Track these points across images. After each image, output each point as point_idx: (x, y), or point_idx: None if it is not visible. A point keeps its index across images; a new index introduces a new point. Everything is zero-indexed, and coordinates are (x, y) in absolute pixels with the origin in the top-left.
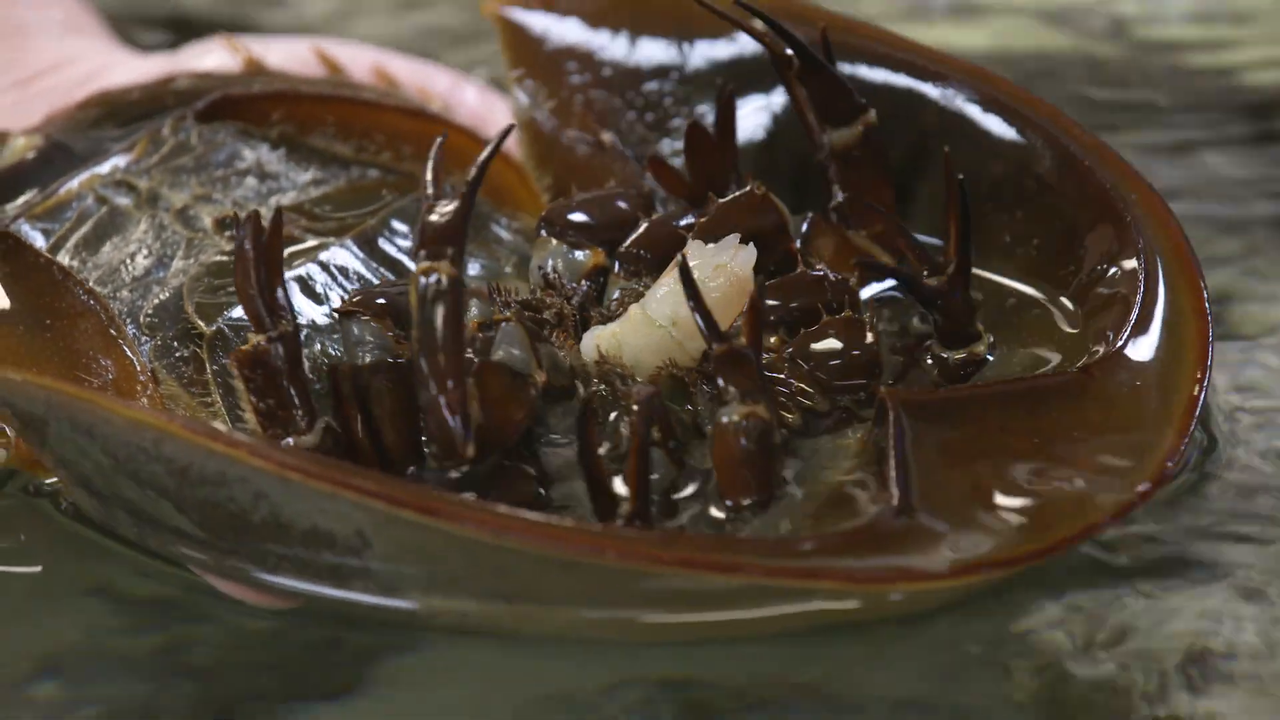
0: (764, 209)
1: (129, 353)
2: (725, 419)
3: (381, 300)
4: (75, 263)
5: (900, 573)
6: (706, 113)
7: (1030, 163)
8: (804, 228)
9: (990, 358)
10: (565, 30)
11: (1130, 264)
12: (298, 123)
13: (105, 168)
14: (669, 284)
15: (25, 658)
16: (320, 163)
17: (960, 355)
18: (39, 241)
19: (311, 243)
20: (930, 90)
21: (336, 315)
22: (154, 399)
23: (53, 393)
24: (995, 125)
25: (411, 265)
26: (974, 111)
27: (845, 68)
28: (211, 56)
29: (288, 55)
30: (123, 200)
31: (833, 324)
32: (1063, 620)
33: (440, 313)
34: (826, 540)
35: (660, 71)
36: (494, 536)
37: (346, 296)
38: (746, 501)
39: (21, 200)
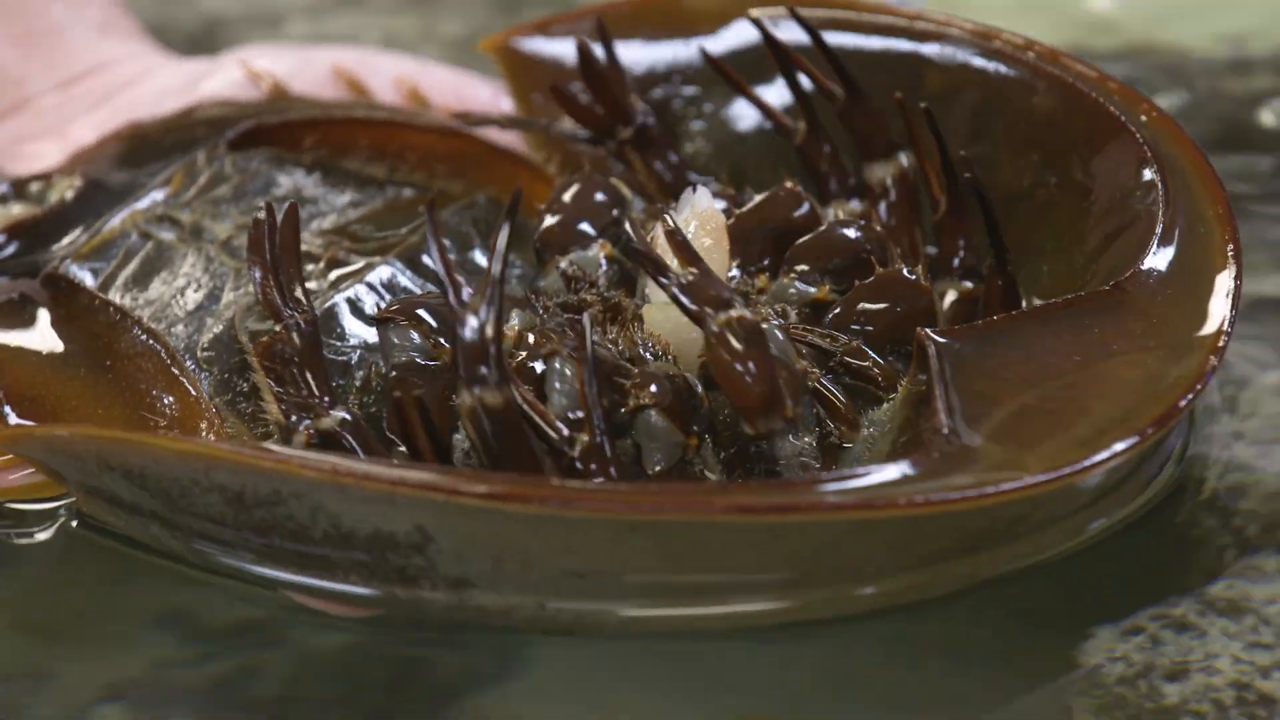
0: (795, 203)
1: (192, 389)
2: (709, 331)
3: (420, 310)
4: (127, 300)
5: (963, 487)
6: (714, 109)
7: (1038, 104)
8: None
9: None
10: (563, 51)
11: (1148, 179)
12: (331, 146)
13: (145, 203)
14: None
15: (91, 686)
16: (356, 185)
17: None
18: (88, 281)
19: (358, 264)
20: (931, 51)
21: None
22: (219, 435)
23: (100, 442)
24: (999, 74)
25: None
26: (978, 64)
27: (851, 40)
28: (242, 67)
29: (303, 65)
30: (167, 235)
31: (882, 281)
32: (1124, 655)
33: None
34: (883, 469)
35: (664, 76)
36: (562, 508)
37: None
38: (763, 409)
39: (67, 241)
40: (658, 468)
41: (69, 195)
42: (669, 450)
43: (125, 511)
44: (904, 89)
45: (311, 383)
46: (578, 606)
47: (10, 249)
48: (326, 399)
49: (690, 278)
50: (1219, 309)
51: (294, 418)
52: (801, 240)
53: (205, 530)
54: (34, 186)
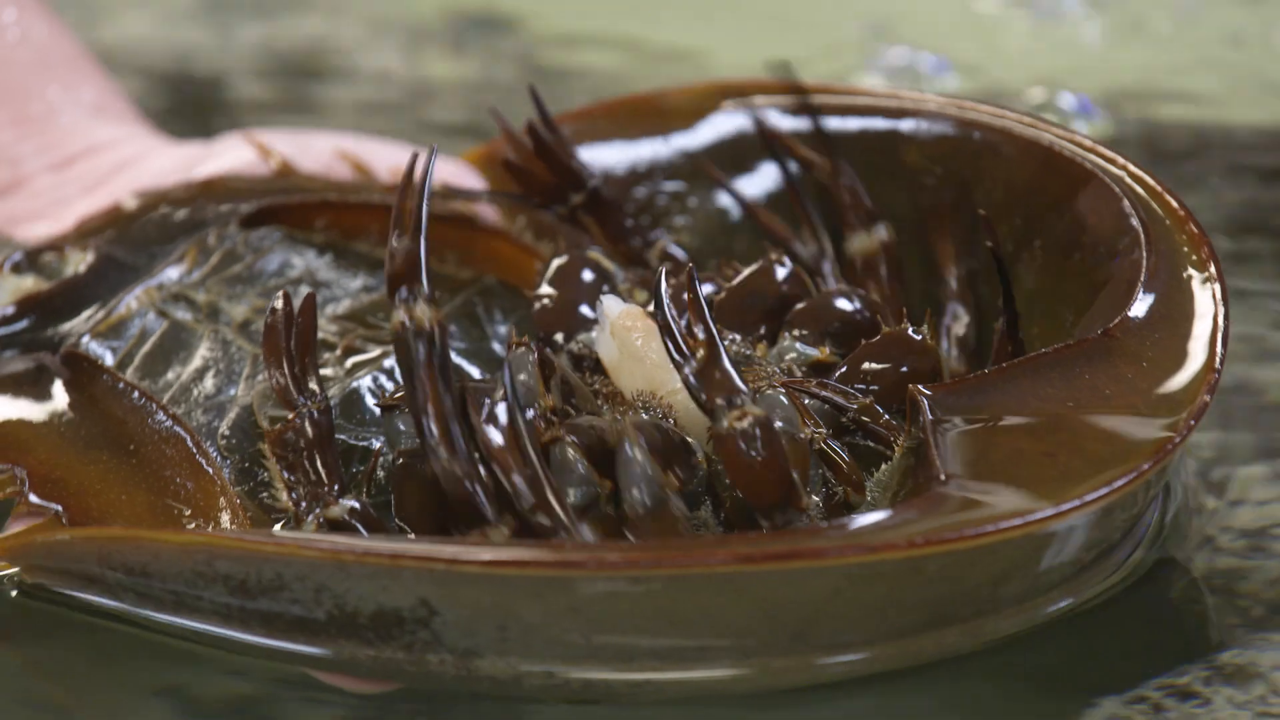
0: (781, 272)
1: (216, 478)
2: (720, 430)
3: None
4: (145, 382)
5: (954, 528)
6: (698, 202)
7: (1016, 168)
8: None
9: None
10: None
11: (1129, 229)
12: (342, 229)
13: (159, 280)
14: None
15: None
16: (368, 268)
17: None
18: (107, 360)
19: (374, 352)
20: (907, 126)
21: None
22: (243, 524)
23: (100, 541)
24: (975, 143)
25: (470, 368)
26: (954, 135)
27: (828, 122)
28: (244, 149)
29: (304, 148)
30: (183, 315)
31: (888, 340)
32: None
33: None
34: (877, 517)
35: (646, 174)
36: (561, 570)
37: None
38: (779, 506)
39: (83, 317)
40: (640, 509)
41: (81, 269)
42: (650, 489)
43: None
44: (883, 166)
45: (322, 472)
46: (586, 675)
47: (23, 323)
48: (336, 488)
49: (701, 365)
50: (1209, 348)
51: (304, 506)
52: (801, 305)
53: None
54: (47, 257)
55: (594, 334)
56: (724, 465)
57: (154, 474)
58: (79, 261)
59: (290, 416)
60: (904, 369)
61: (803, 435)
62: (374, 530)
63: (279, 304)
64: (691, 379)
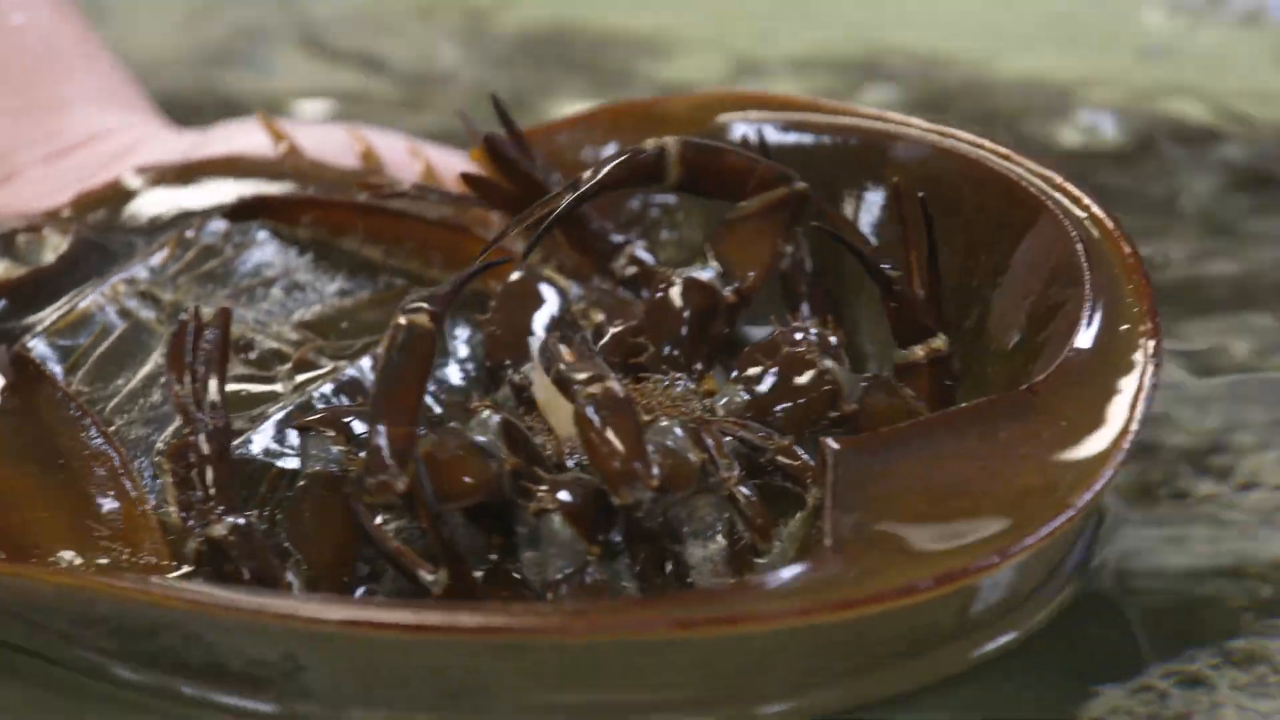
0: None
1: (138, 503)
2: (575, 406)
3: (346, 419)
4: (94, 386)
5: (823, 605)
6: (687, 216)
7: (988, 204)
8: None
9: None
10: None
11: (1078, 279)
12: (329, 226)
13: (130, 274)
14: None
15: None
16: (349, 270)
17: (920, 352)
18: (56, 362)
19: (325, 368)
20: (891, 150)
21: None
22: (160, 554)
23: None
24: (953, 174)
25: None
26: (935, 164)
27: (814, 139)
28: (243, 137)
29: (322, 139)
30: (146, 314)
31: (777, 365)
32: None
33: (406, 356)
34: (747, 586)
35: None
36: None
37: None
38: (625, 476)
39: (48, 310)
40: (559, 575)
41: (54, 256)
42: (573, 556)
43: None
44: (864, 188)
45: (211, 489)
46: None
47: None
48: (222, 507)
49: (571, 360)
50: (1124, 413)
51: (190, 522)
52: (756, 343)
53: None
54: (22, 240)
55: (530, 370)
56: (580, 441)
57: (80, 493)
58: (57, 246)
59: (186, 431)
60: (825, 413)
61: (692, 457)
62: (256, 553)
63: (188, 316)
64: (558, 370)
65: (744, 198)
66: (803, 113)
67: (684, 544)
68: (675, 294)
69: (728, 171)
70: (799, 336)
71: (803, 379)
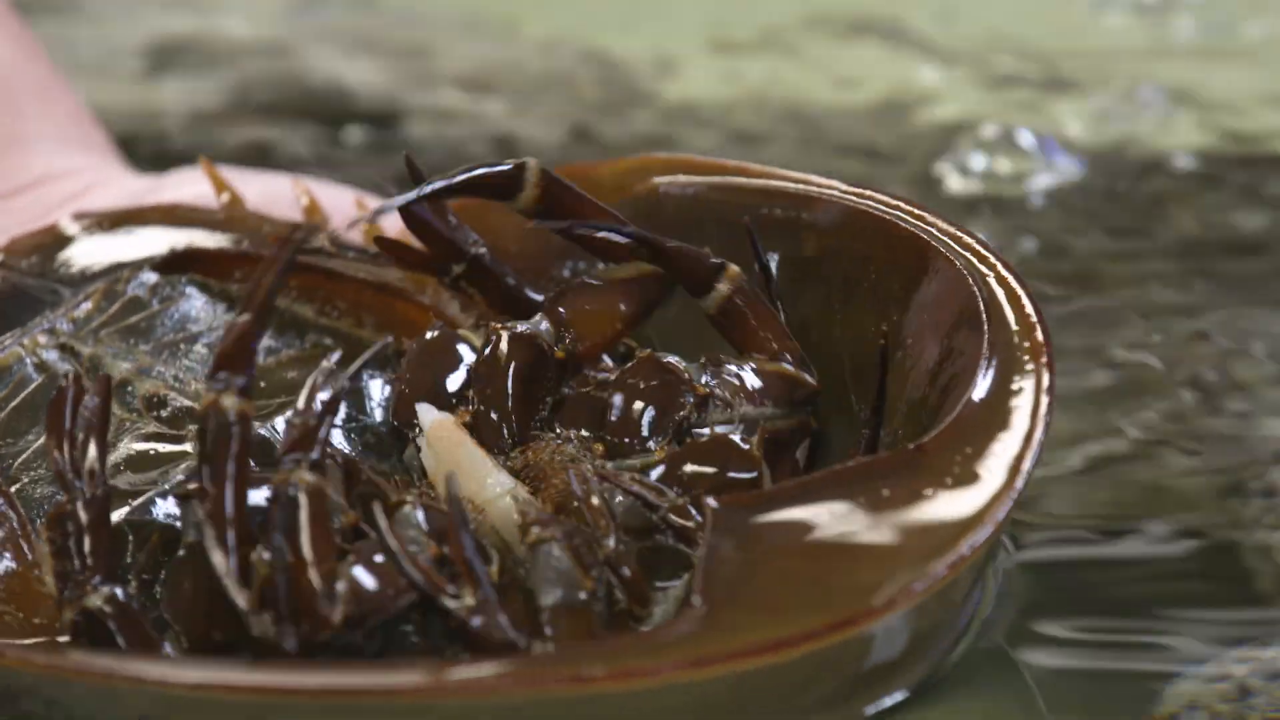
0: (656, 371)
1: (35, 567)
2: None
3: None
4: (6, 440)
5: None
6: None
7: (901, 264)
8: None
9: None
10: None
11: (979, 332)
12: None
13: (52, 325)
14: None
15: None
16: (277, 328)
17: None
18: None
19: None
20: (810, 215)
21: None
22: (56, 619)
23: None
24: (868, 234)
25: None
26: (852, 226)
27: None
28: (197, 185)
29: (266, 189)
30: (64, 368)
31: (713, 444)
32: None
33: (226, 449)
34: (598, 645)
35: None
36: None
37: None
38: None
39: None
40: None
41: None
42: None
43: None
44: (785, 251)
45: (88, 558)
46: None
47: None
48: (98, 577)
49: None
50: (1008, 471)
51: (66, 592)
52: (657, 412)
53: None
54: None
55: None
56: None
57: None
58: None
59: (64, 499)
60: (725, 475)
61: (581, 597)
62: (130, 624)
63: (67, 383)
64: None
65: (594, 250)
66: (729, 176)
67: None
68: (502, 347)
69: (583, 212)
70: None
71: (733, 473)
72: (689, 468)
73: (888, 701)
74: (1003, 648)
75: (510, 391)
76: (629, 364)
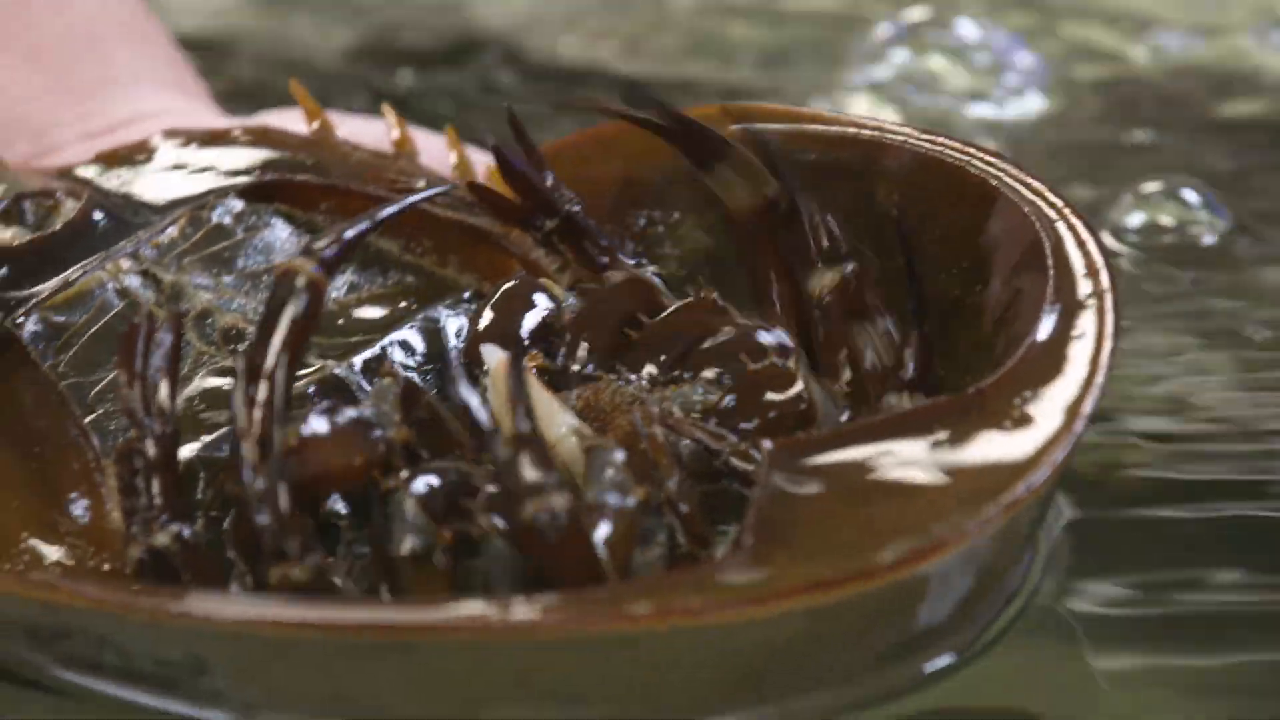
0: (708, 310)
1: (106, 501)
2: (519, 520)
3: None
4: (84, 368)
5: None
6: (686, 230)
7: (970, 211)
8: None
9: None
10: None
11: (1045, 276)
12: (347, 214)
13: (135, 249)
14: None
15: None
16: (360, 262)
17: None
18: (48, 339)
19: (314, 365)
20: (883, 162)
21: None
22: (119, 557)
23: None
24: (940, 181)
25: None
26: (923, 175)
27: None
28: (286, 125)
29: (360, 126)
30: (146, 294)
31: (751, 379)
32: None
33: (285, 314)
34: (650, 583)
35: (642, 202)
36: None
37: None
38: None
39: (48, 283)
40: (403, 550)
41: (62, 225)
42: (418, 535)
43: None
44: (858, 200)
45: (155, 496)
46: None
47: None
48: (165, 515)
49: (510, 454)
50: (1067, 415)
51: (133, 529)
52: (708, 343)
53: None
54: (31, 205)
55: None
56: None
57: (50, 483)
58: (70, 213)
59: (133, 434)
60: (772, 411)
61: (629, 503)
62: (195, 563)
63: (141, 319)
64: (499, 459)
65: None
66: (804, 124)
67: None
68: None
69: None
70: (765, 340)
71: (776, 397)
72: (742, 401)
73: (941, 662)
74: (1053, 609)
75: (610, 330)
76: (680, 305)
